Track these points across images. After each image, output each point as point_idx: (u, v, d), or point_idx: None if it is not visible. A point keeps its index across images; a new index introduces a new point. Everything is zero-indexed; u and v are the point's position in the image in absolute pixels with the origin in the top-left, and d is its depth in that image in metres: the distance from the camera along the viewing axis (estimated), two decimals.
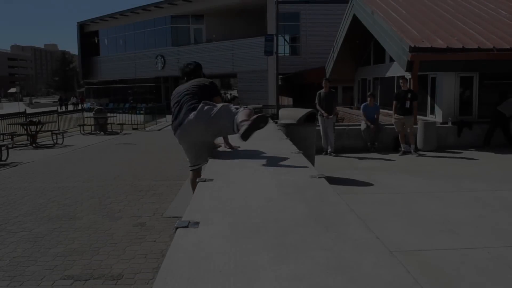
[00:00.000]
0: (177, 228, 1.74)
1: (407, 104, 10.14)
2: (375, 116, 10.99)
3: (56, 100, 76.14)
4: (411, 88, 11.26)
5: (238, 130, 3.32)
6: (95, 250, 4.60)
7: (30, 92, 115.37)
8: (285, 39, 34.08)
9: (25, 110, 18.70)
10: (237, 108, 3.56)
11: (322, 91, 10.46)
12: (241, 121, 3.33)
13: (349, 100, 23.83)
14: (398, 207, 6.00)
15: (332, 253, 1.46)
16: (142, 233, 5.15)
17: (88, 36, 44.44)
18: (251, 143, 4.09)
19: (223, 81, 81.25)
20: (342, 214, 1.91)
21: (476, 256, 4.16)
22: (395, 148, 10.85)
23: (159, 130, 20.79)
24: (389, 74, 15.88)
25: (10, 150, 11.26)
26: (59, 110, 22.65)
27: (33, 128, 14.16)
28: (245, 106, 3.69)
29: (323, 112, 10.20)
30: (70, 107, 47.51)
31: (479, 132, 11.35)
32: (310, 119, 7.15)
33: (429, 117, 12.51)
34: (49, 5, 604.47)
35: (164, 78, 36.79)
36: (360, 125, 11.35)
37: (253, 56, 28.76)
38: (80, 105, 47.14)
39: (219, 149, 3.96)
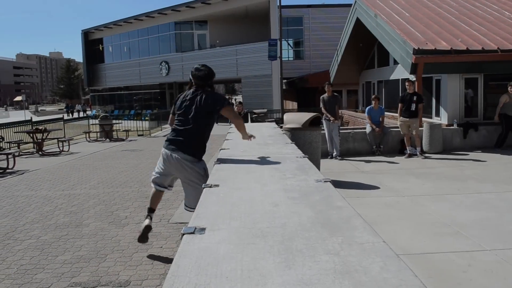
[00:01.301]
0: (183, 234, 1.74)
1: (413, 107, 10.11)
2: (380, 119, 10.97)
3: (62, 107, 76.75)
4: (416, 90, 11.24)
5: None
6: (102, 257, 4.61)
7: (35, 100, 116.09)
8: (288, 44, 34.15)
9: (31, 118, 18.82)
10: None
11: (325, 95, 10.47)
12: None
13: (354, 103, 23.82)
14: (404, 210, 5.98)
15: (339, 258, 1.46)
16: (149, 240, 5.15)
17: (92, 43, 44.73)
18: (257, 148, 4.10)
19: (227, 87, 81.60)
20: (348, 218, 1.91)
21: (483, 258, 4.13)
22: (400, 151, 10.83)
23: (165, 136, 20.82)
24: (393, 77, 15.87)
25: (16, 158, 11.32)
26: (66, 117, 22.78)
27: (39, 135, 14.24)
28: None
29: (329, 116, 10.20)
30: (75, 114, 47.80)
31: (484, 133, 11.31)
32: (315, 123, 7.15)
33: (435, 119, 12.48)
34: (53, 13, 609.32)
35: (168, 84, 36.91)
36: (365, 128, 11.34)
37: (257, 61, 28.84)
38: (87, 112, 47.43)
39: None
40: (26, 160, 12.61)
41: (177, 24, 35.23)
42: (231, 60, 30.78)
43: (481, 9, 15.11)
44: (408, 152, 10.27)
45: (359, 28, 16.65)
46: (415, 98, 10.18)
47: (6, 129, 14.73)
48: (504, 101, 10.69)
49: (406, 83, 10.49)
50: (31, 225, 5.89)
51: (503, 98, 10.71)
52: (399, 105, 10.41)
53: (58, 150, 14.46)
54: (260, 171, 3.06)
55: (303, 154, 3.69)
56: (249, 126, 7.16)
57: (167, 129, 24.13)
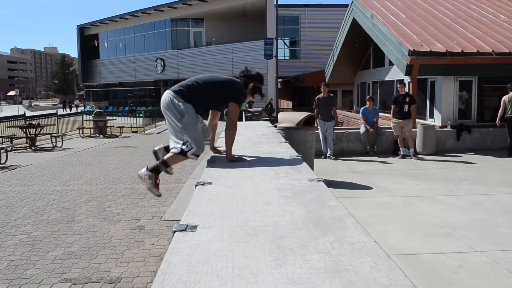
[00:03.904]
0: (175, 231, 1.74)
1: (405, 108, 10.16)
2: (374, 120, 11.00)
3: (56, 103, 76.30)
4: (410, 92, 11.29)
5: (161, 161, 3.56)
6: (93, 254, 4.60)
7: (29, 95, 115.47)
8: (284, 43, 34.16)
9: (25, 113, 18.70)
10: (186, 146, 3.40)
11: (321, 95, 10.50)
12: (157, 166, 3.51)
13: (349, 103, 23.88)
14: (396, 210, 6.00)
15: (330, 257, 1.46)
16: (140, 237, 5.14)
17: (88, 39, 44.53)
18: (250, 147, 4.10)
19: None
20: (340, 217, 1.91)
21: (474, 259, 4.16)
22: (394, 152, 10.87)
23: (159, 133, 20.80)
24: (388, 77, 15.92)
25: (9, 153, 11.25)
26: (65, 112, 22.68)
27: (32, 131, 14.16)
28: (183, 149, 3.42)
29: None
30: (73, 110, 47.65)
31: (478, 135, 11.38)
32: (309, 122, 7.15)
33: (428, 121, 12.53)
34: (49, 8, 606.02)
35: (163, 81, 36.82)
36: (359, 128, 11.37)
37: (252, 60, 28.81)
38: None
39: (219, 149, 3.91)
40: (18, 155, 12.53)
41: (173, 21, 35.14)
42: (226, 58, 30.74)
43: (477, 12, 15.18)
44: (402, 153, 10.31)
45: (355, 29, 16.68)
46: (407, 99, 10.22)
47: None
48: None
49: (398, 85, 10.54)
50: (22, 221, 5.86)
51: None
52: (392, 106, 10.45)
53: (51, 145, 14.38)
54: (253, 170, 3.06)
55: (297, 153, 3.69)
56: (244, 125, 7.16)
57: (161, 126, 24.08)
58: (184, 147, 3.40)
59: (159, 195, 3.55)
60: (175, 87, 3.58)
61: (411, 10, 15.25)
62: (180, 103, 3.45)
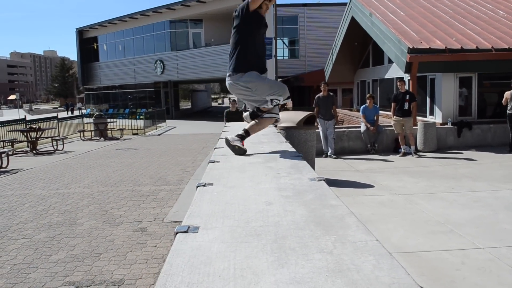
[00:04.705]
0: (177, 233, 1.73)
1: (406, 106, 10.16)
2: (375, 118, 11.00)
3: (56, 106, 76.37)
4: (410, 89, 11.29)
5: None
6: (96, 256, 4.60)
7: (30, 98, 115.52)
8: (283, 42, 34.15)
9: (25, 116, 18.71)
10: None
11: (321, 94, 10.50)
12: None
13: (349, 102, 23.87)
14: (398, 208, 5.99)
15: (331, 256, 1.46)
16: (143, 238, 5.15)
17: (87, 42, 44.52)
18: (251, 147, 4.09)
19: (222, 85, 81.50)
20: (342, 216, 1.91)
21: (477, 256, 4.15)
22: (395, 150, 10.87)
23: (159, 135, 20.80)
24: (388, 75, 15.91)
25: (10, 157, 11.27)
26: (67, 115, 22.69)
27: (33, 134, 14.17)
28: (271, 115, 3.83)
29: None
30: (76, 113, 47.72)
31: (478, 132, 11.37)
32: (309, 121, 7.15)
33: (429, 118, 12.52)
34: (48, 11, 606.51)
35: (163, 83, 36.82)
36: (359, 127, 11.36)
37: None
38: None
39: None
40: (20, 159, 12.54)
41: (172, 22, 35.12)
42: (226, 59, 30.47)
43: (476, 8, 15.17)
44: (403, 150, 10.31)
45: (354, 27, 16.68)
46: (407, 97, 10.22)
47: (0, 128, 14.65)
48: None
49: (398, 83, 10.54)
50: (24, 224, 5.87)
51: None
52: (392, 104, 10.45)
53: (52, 149, 14.39)
54: (254, 170, 3.05)
55: (298, 153, 3.68)
56: (243, 126, 7.16)
57: (161, 128, 24.09)
58: (273, 103, 3.68)
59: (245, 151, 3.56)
60: (229, 71, 3.74)
61: (410, 8, 15.24)
62: (241, 80, 3.61)
